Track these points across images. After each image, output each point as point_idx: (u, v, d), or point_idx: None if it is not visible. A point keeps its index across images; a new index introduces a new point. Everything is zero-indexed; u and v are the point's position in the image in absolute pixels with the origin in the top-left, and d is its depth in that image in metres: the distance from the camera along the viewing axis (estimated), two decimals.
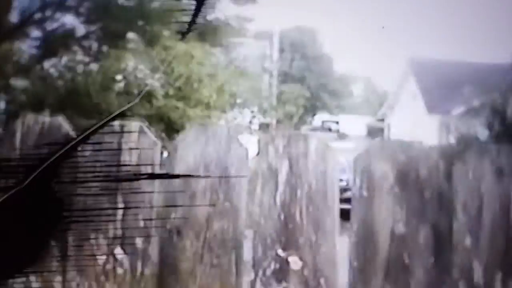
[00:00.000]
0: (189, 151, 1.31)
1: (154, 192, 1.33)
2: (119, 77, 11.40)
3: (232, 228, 1.27)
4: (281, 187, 1.26)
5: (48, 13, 12.85)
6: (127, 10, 12.31)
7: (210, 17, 13.08)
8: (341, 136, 34.71)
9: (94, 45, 12.73)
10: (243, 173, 1.26)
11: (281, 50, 30.25)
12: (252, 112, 14.89)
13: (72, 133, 1.44)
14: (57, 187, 1.20)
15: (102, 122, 1.35)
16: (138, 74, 11.13)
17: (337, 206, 1.25)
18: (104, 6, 12.41)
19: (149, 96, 10.37)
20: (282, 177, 1.25)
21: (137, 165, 1.35)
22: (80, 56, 12.46)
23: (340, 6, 62.78)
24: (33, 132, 1.47)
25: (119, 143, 1.38)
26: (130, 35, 12.50)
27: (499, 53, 35.36)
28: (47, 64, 12.61)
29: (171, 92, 10.42)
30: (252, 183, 1.28)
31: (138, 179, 1.41)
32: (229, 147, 1.29)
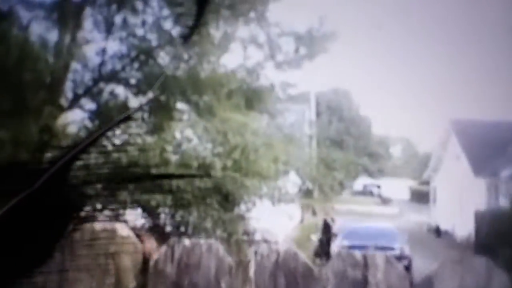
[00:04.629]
0: (446, 286, 1.29)
1: None
2: (174, 148, 11.54)
3: None
4: None
5: (101, 85, 13.18)
6: (178, 80, 12.56)
7: (256, 83, 13.29)
8: (384, 201, 34.08)
9: (147, 117, 12.96)
10: None
11: (318, 113, 30.43)
12: (302, 179, 14.92)
13: (311, 265, 1.45)
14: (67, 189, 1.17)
15: (108, 127, 1.36)
16: (194, 146, 11.27)
17: None
18: (155, 78, 12.70)
19: (207, 168, 10.43)
20: None
21: None
22: (134, 128, 12.66)
23: (376, 67, 63.33)
24: (268, 260, 1.48)
25: (365, 276, 1.37)
26: (181, 105, 12.73)
27: None
28: (101, 137, 12.87)
29: (228, 163, 10.48)
30: None
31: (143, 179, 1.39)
32: (488, 282, 1.26)
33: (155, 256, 1.48)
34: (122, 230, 1.37)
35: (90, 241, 1.44)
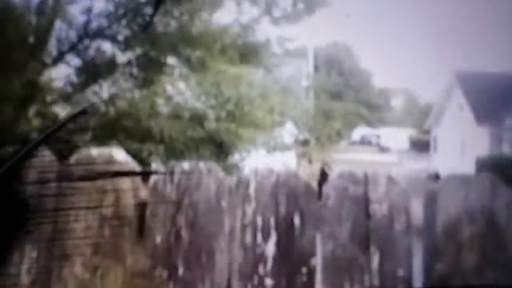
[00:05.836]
0: (450, 201, 1.28)
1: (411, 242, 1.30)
2: (165, 101, 11.53)
3: (506, 279, 1.24)
4: None
5: (87, 42, 13.05)
6: (168, 36, 12.42)
7: (251, 39, 13.18)
8: (383, 150, 34.28)
9: (136, 72, 12.88)
10: None
11: (317, 67, 30.23)
12: (299, 129, 14.97)
13: (312, 184, 1.43)
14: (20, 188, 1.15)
15: (61, 123, 1.33)
16: (186, 98, 11.25)
17: None
18: (143, 33, 12.56)
19: (200, 119, 10.45)
20: None
21: (390, 215, 1.32)
22: (122, 83, 12.60)
23: (377, 19, 62.73)
24: (268, 180, 1.49)
25: (366, 192, 1.36)
26: (171, 60, 12.64)
27: None
28: (88, 91, 12.79)
29: (222, 114, 10.48)
30: None
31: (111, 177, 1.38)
32: (494, 195, 1.26)
33: (154, 178, 1.50)
34: (119, 154, 1.38)
35: (87, 165, 1.45)
